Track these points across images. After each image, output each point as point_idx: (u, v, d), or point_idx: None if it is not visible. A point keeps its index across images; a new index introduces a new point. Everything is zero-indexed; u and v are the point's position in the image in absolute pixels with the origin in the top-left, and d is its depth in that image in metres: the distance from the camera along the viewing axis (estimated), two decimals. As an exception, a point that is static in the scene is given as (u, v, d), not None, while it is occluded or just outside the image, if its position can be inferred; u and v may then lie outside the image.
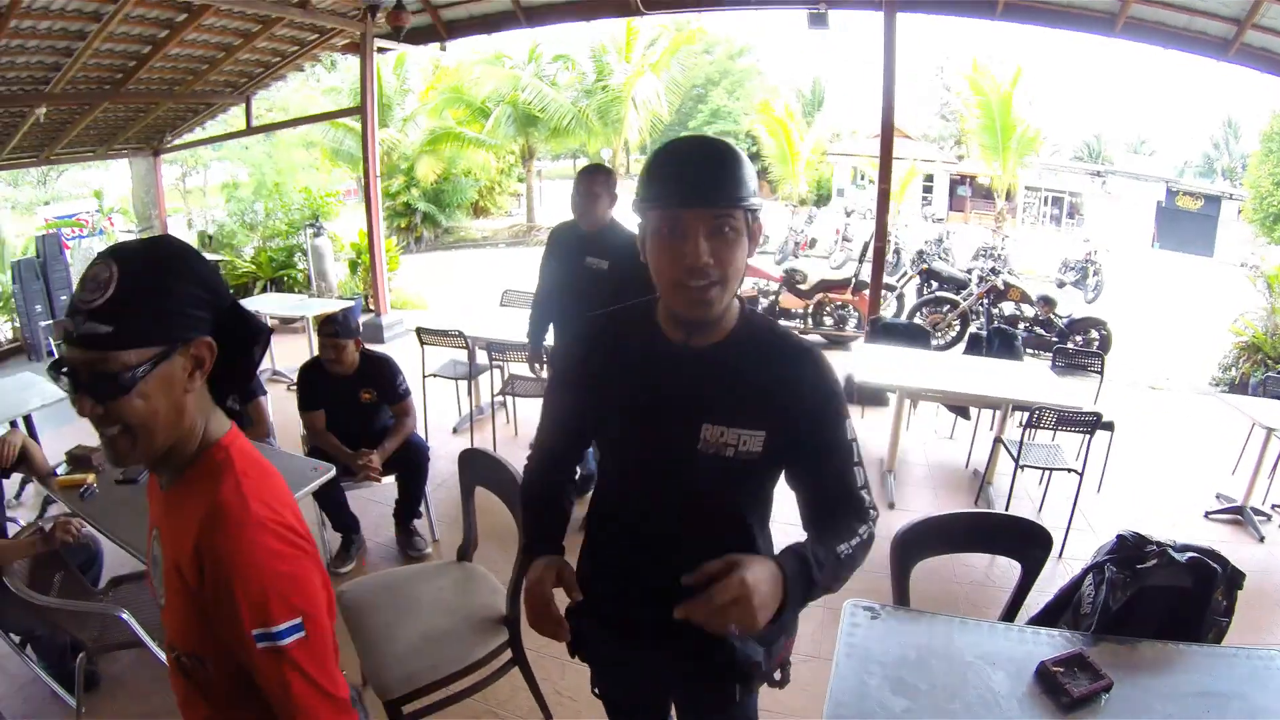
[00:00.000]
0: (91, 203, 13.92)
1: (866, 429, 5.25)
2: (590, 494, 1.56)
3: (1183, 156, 26.87)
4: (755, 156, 24.97)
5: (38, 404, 4.37)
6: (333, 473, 2.99)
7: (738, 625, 1.05)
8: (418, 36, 7.59)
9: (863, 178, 25.98)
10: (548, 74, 18.52)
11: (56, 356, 1.00)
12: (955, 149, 25.09)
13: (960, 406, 4.95)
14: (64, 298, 8.63)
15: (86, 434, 3.67)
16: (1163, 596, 2.00)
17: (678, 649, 1.35)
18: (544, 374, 4.14)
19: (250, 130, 9.40)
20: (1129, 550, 2.06)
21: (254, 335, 1.14)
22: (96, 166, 15.68)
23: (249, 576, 1.02)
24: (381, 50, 7.60)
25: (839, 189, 26.54)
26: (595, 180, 3.49)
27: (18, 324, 8.72)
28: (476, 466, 2.49)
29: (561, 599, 1.34)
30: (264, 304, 7.42)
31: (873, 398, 5.46)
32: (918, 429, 5.32)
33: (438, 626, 2.26)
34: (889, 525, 3.64)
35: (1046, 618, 2.20)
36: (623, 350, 1.38)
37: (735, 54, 29.74)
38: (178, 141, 10.34)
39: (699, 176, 1.17)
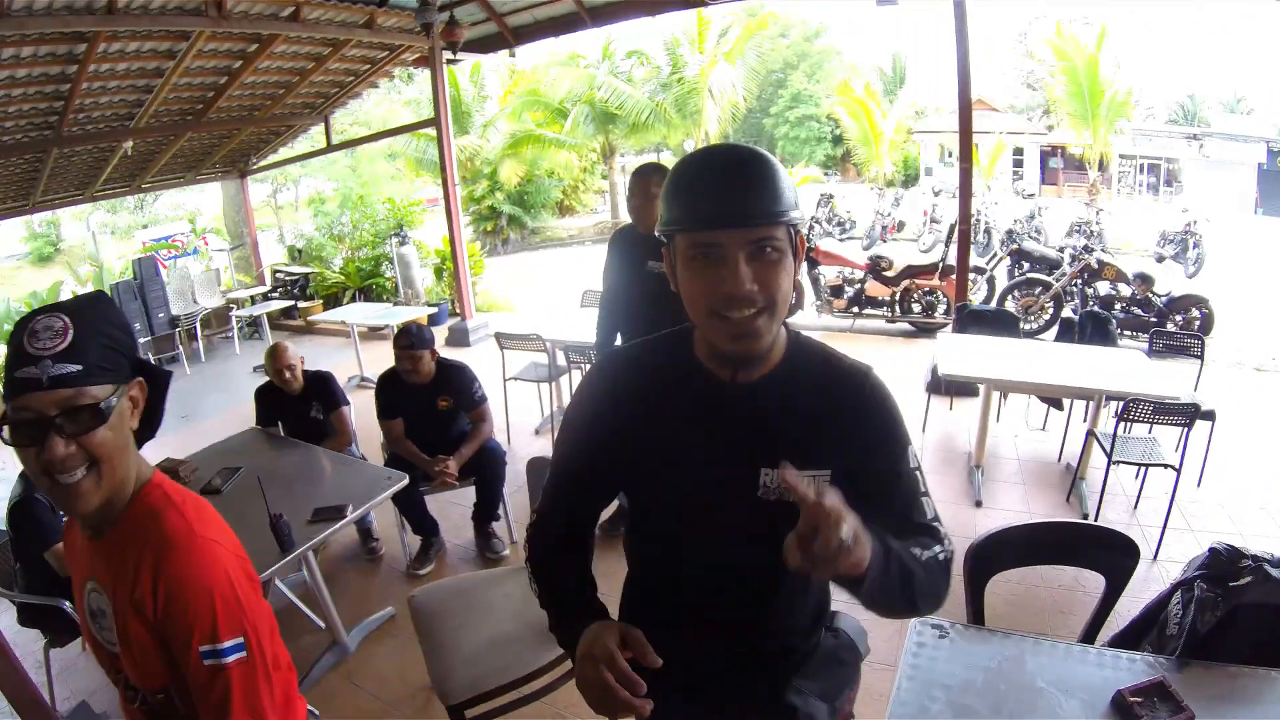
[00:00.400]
0: (185, 225, 14.65)
1: (954, 421, 5.09)
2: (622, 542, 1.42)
3: (1284, 113, 25.09)
4: (838, 139, 24.39)
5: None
6: (405, 481, 3.07)
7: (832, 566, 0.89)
8: (486, 44, 7.68)
9: (950, 155, 25.05)
10: (622, 70, 18.53)
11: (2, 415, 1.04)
12: (1044, 119, 24.02)
13: (1052, 397, 4.73)
14: (161, 315, 9.10)
15: (177, 450, 3.90)
16: (1258, 616, 1.81)
17: (745, 709, 1.28)
18: None
19: (330, 148, 9.67)
20: (1222, 565, 1.87)
21: (163, 379, 1.23)
22: (191, 189, 16.49)
23: (200, 596, 1.10)
24: (451, 62, 7.73)
25: (927, 168, 25.71)
26: (650, 181, 3.28)
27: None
28: (544, 474, 2.50)
29: None
30: (351, 313, 7.63)
31: (961, 388, 5.26)
32: (1008, 420, 5.07)
33: (505, 631, 2.27)
34: (976, 524, 3.56)
35: (1130, 638, 2.03)
36: (658, 389, 1.21)
37: (811, 35, 29.17)
38: (262, 163, 10.74)
39: (732, 191, 1.02)
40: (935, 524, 1.21)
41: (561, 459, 1.33)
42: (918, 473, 1.20)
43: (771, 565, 1.09)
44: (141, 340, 8.63)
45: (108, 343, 1.09)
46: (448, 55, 7.40)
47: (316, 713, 2.77)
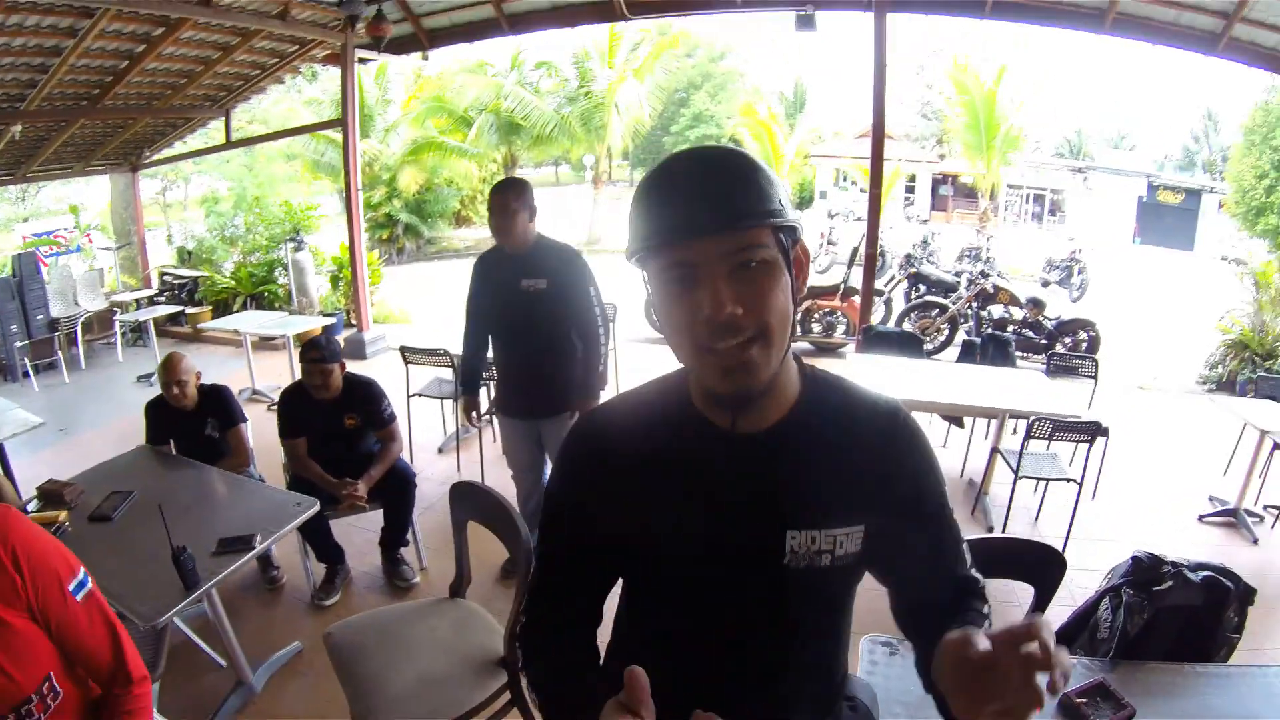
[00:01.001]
0: (68, 219, 13.71)
1: None
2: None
3: (1163, 151, 27.10)
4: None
5: (8, 433, 4.26)
6: (316, 508, 2.90)
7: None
8: (400, 46, 7.51)
9: (845, 179, 26.09)
10: (530, 81, 18.45)
11: None
12: (937, 148, 25.17)
13: (954, 415, 4.91)
14: (40, 317, 8.50)
15: (57, 467, 3.61)
16: (1177, 617, 1.99)
17: None
18: (480, 423, 3.88)
19: (230, 144, 9.30)
20: (1145, 572, 2.03)
21: None
22: (77, 182, 15.47)
23: (47, 544, 1.26)
24: (363, 61, 7.51)
25: (822, 191, 26.62)
26: (508, 195, 3.06)
27: (-6, 344, 8.56)
28: (469, 500, 2.40)
29: None
30: (244, 321, 7.31)
31: None
32: None
33: (434, 669, 2.16)
34: None
35: (1061, 642, 2.15)
36: (653, 447, 1.03)
37: (716, 57, 29.80)
38: (156, 157, 10.30)
39: (701, 195, 0.85)
40: (977, 574, 1.09)
41: (549, 548, 1.13)
42: (953, 514, 1.08)
43: (800, 634, 1.06)
44: (18, 345, 8.03)
45: None
46: (362, 54, 7.18)
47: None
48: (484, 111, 17.66)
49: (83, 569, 1.30)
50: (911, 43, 25.60)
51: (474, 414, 3.61)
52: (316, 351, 3.40)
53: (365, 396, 3.55)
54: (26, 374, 7.89)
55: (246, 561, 2.57)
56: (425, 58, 7.78)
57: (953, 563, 1.07)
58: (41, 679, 1.22)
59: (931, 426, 5.18)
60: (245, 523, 2.75)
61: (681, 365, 1.00)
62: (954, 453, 4.93)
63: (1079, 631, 2.14)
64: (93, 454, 3.72)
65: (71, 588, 1.26)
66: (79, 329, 8.76)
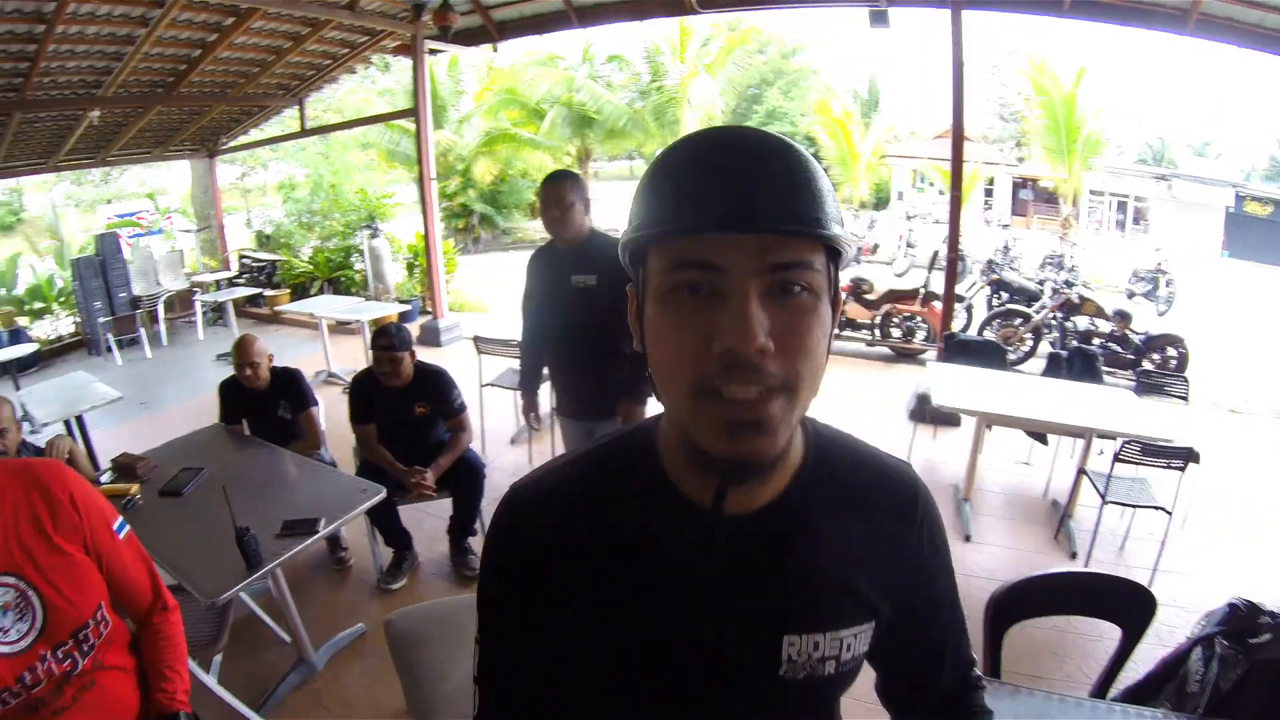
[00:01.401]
0: (147, 202, 14.23)
1: (939, 451, 5.02)
2: None
3: (1249, 160, 25.80)
4: (817, 158, 24.81)
5: (88, 405, 4.39)
6: (382, 495, 2.90)
7: None
8: (469, 38, 7.52)
9: (922, 180, 25.43)
10: (602, 75, 18.44)
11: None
12: (1015, 151, 24.39)
13: (1038, 432, 4.69)
14: (123, 295, 8.81)
15: (134, 440, 3.69)
16: (1275, 673, 1.80)
17: None
18: (538, 425, 3.50)
19: (305, 132, 9.47)
20: (1241, 621, 1.85)
21: None
22: (158, 166, 16.00)
23: (94, 494, 1.40)
24: (433, 52, 7.55)
25: (898, 192, 26.04)
26: (563, 187, 2.91)
27: (79, 319, 8.92)
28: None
29: None
30: (320, 305, 7.44)
31: (944, 418, 5.20)
32: (991, 452, 4.90)
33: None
34: (966, 559, 3.49)
35: (1145, 692, 1.99)
36: (611, 528, 0.78)
37: (789, 53, 29.39)
38: (233, 143, 10.51)
39: (745, 179, 0.62)
40: (971, 653, 0.96)
41: (487, 671, 0.87)
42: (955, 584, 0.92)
43: None
44: (101, 320, 8.32)
45: None
46: (431, 45, 7.22)
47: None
48: (556, 104, 17.61)
49: (120, 516, 1.46)
50: (985, 43, 24.86)
51: (533, 415, 3.41)
52: (386, 339, 3.41)
53: (436, 385, 3.54)
54: (110, 348, 8.17)
55: (309, 545, 2.58)
56: (495, 49, 7.79)
57: (958, 651, 0.93)
58: (95, 607, 1.35)
59: (1013, 441, 4.97)
60: (312, 506, 2.77)
61: (663, 411, 0.74)
62: (1039, 470, 4.71)
63: (1166, 681, 1.98)
64: (171, 429, 3.79)
65: (115, 527, 1.42)
66: (160, 307, 9.05)
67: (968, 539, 3.88)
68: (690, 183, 0.64)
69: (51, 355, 8.59)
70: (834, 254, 0.68)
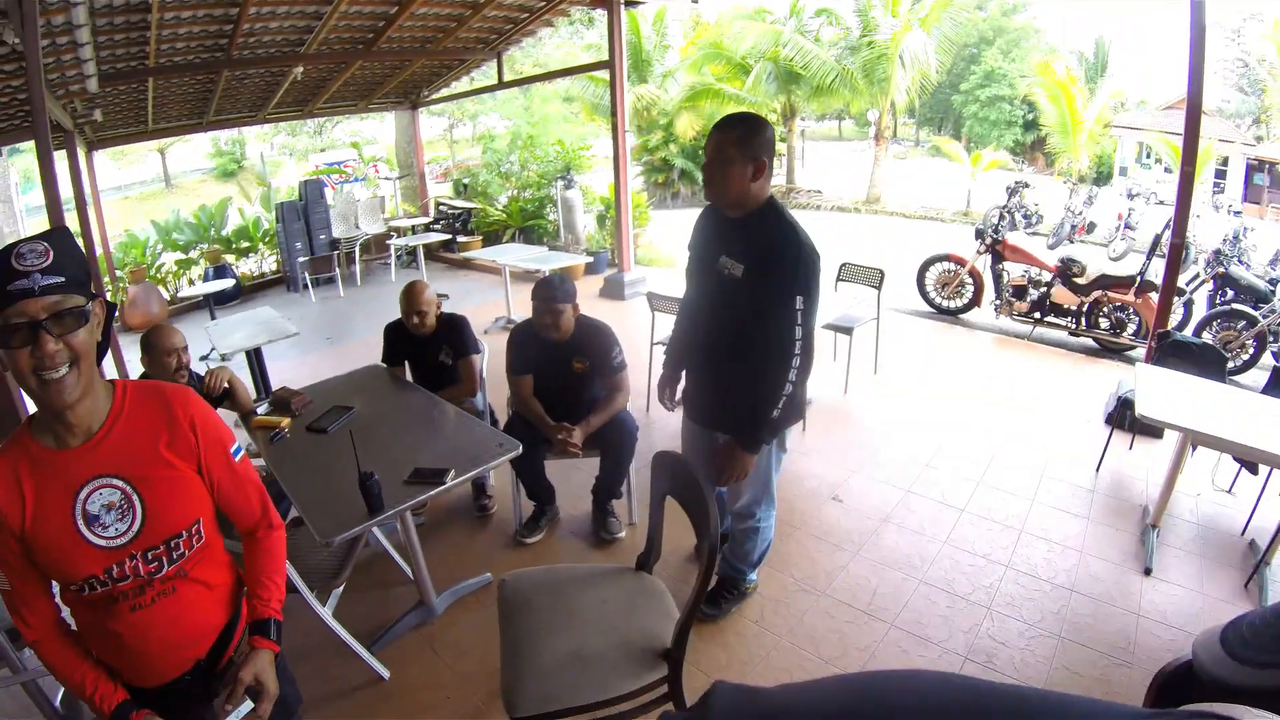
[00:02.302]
0: (353, 152, 15.27)
1: (1133, 464, 4.31)
2: None
3: None
4: (1030, 125, 22.63)
5: (266, 339, 4.69)
6: (517, 451, 2.82)
7: None
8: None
9: (1149, 155, 22.82)
10: (810, 29, 17.77)
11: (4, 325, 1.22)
12: (1253, 128, 21.20)
13: (1249, 459, 3.94)
14: (323, 237, 9.44)
15: (314, 372, 3.87)
16: None
17: None
18: (673, 406, 2.98)
19: (500, 85, 9.65)
20: None
21: (112, 307, 1.45)
22: (370, 118, 17.10)
23: (215, 419, 1.53)
24: (630, 4, 7.43)
25: (1122, 167, 23.51)
26: (726, 137, 2.29)
27: (281, 258, 9.71)
28: (668, 472, 2.18)
29: None
30: (505, 253, 7.56)
31: (1145, 428, 4.50)
32: (1191, 475, 4.17)
33: (592, 645, 2.01)
34: (1142, 595, 3.02)
35: None
36: None
37: (1010, 10, 27.23)
38: (433, 96, 10.86)
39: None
40: None
41: None
42: None
43: None
44: (300, 260, 8.99)
45: (80, 265, 1.33)
46: (627, -4, 7.11)
47: (385, 675, 2.67)
48: (762, 59, 17.13)
49: (237, 441, 1.57)
50: (1226, 4, 21.66)
51: (667, 393, 2.96)
52: (548, 290, 3.29)
53: (597, 342, 3.40)
54: (307, 286, 8.83)
55: (435, 495, 2.57)
56: (695, 1, 7.59)
57: None
58: (193, 520, 1.46)
59: (1219, 466, 4.24)
60: (447, 456, 2.75)
61: None
62: (1240, 503, 3.99)
63: None
64: (352, 364, 3.93)
65: (232, 451, 1.54)
66: (357, 250, 9.67)
67: (1148, 572, 3.33)
68: None
69: (253, 290, 9.37)
70: None
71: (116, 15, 5.18)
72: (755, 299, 2.32)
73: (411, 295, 3.58)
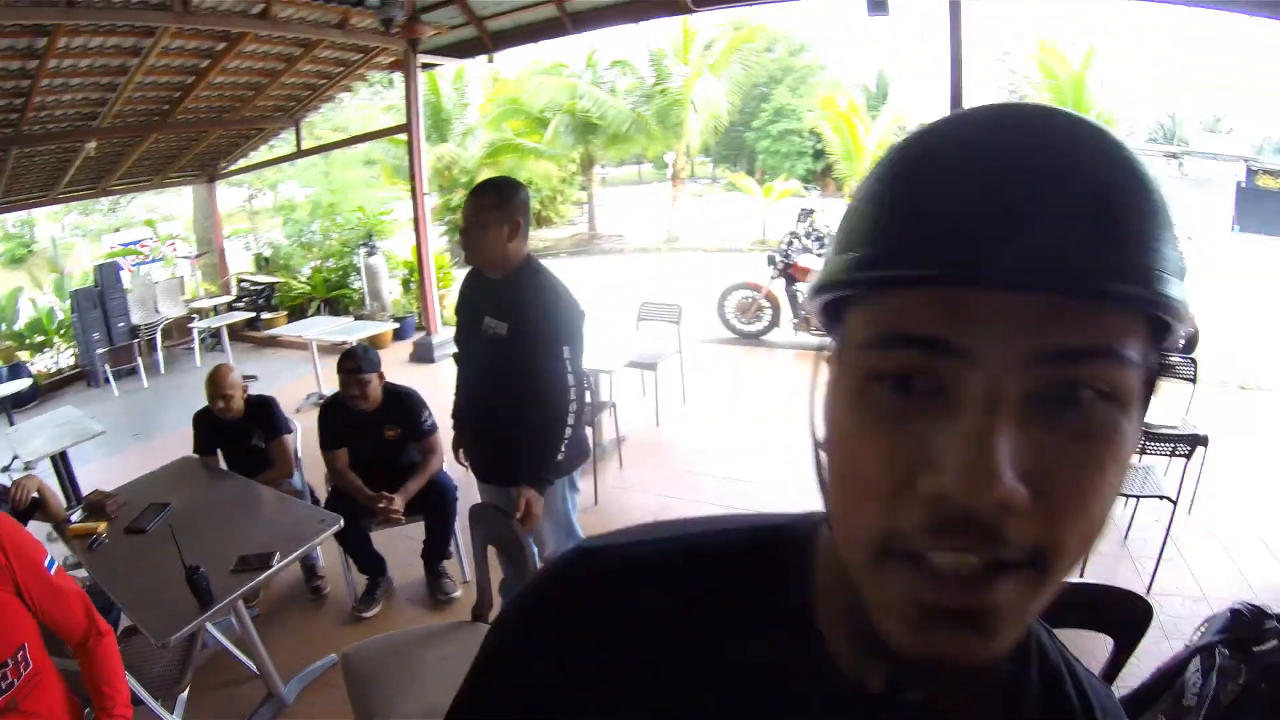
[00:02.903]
0: (147, 230, 14.35)
1: None
2: None
3: (1262, 134, 25.30)
4: (819, 154, 24.35)
5: (70, 441, 4.38)
6: (338, 526, 2.83)
7: None
8: (464, 49, 7.50)
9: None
10: (606, 80, 18.31)
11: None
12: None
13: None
14: (121, 324, 8.83)
15: (124, 472, 3.65)
16: None
17: None
18: (464, 463, 2.94)
19: (300, 153, 9.49)
20: (1245, 628, 1.70)
21: None
22: (167, 192, 16.16)
23: (25, 536, 1.51)
24: (427, 66, 7.51)
25: (907, 185, 25.74)
26: (482, 204, 2.41)
27: (77, 351, 8.96)
28: (483, 522, 2.27)
29: None
30: (311, 328, 7.40)
31: None
32: None
33: (440, 701, 2.03)
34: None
35: (1139, 704, 1.85)
36: (710, 663, 0.50)
37: (797, 50, 29.26)
38: (232, 167, 10.54)
39: (1049, 201, 0.36)
40: None
41: None
42: None
43: None
44: (99, 351, 8.35)
45: None
46: (424, 59, 7.20)
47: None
48: (559, 112, 17.41)
49: (49, 554, 1.56)
50: (995, 27, 24.57)
51: (461, 453, 2.95)
52: (352, 362, 3.33)
53: (405, 407, 3.48)
54: (108, 379, 8.18)
55: (263, 580, 2.52)
56: (490, 60, 7.77)
57: None
58: (16, 647, 1.41)
59: None
60: (270, 539, 2.71)
61: (826, 532, 0.49)
62: None
63: (1160, 693, 1.82)
64: (162, 459, 3.77)
65: (46, 564, 1.52)
66: (159, 335, 9.07)
67: None
68: (939, 193, 0.38)
69: (51, 389, 8.59)
70: (1159, 329, 0.39)
71: None
72: (523, 355, 2.42)
73: (216, 380, 3.50)
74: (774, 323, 7.60)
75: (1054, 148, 0.38)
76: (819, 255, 7.81)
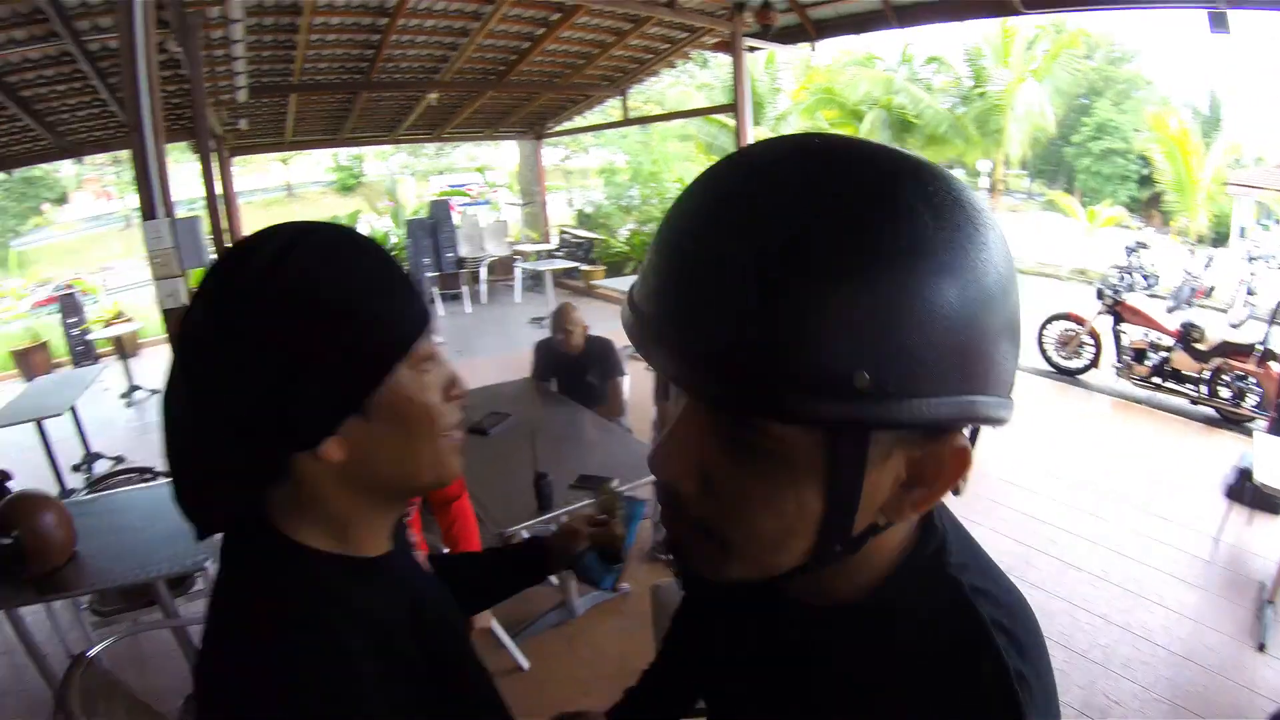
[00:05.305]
0: (477, 176, 15.88)
1: (1251, 539, 4.11)
2: None
3: None
4: (1145, 180, 21.76)
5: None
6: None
7: None
8: (786, 36, 7.54)
9: (1268, 215, 21.61)
10: (922, 77, 17.62)
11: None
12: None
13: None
14: (450, 255, 9.94)
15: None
16: None
17: None
18: None
19: (626, 122, 10.01)
20: None
21: None
22: (488, 143, 17.74)
23: None
24: (752, 49, 7.67)
25: (1240, 228, 22.30)
26: None
27: (410, 273, 10.25)
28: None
29: None
30: (627, 284, 7.85)
31: (1266, 503, 4.34)
32: None
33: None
34: (1255, 672, 2.98)
35: None
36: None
37: (1119, 60, 26.28)
38: (558, 128, 11.31)
39: (688, 293, 0.43)
40: None
41: None
42: None
43: None
44: (429, 275, 9.48)
45: None
46: (750, 42, 7.33)
47: (526, 666, 2.86)
48: (875, 106, 17.02)
49: None
50: None
51: None
52: None
53: None
54: (433, 301, 9.30)
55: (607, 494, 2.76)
56: (813, 48, 7.76)
57: None
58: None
59: None
60: (606, 466, 2.92)
61: None
62: None
63: None
64: (482, 378, 4.16)
65: None
66: (483, 269, 10.12)
67: (1261, 648, 3.26)
68: (650, 251, 0.46)
69: (384, 303, 9.92)
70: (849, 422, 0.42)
71: (266, 34, 5.75)
72: None
73: (562, 315, 3.81)
74: (1094, 362, 6.97)
75: (731, 211, 0.42)
76: (1149, 296, 7.04)
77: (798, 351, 0.39)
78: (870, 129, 16.99)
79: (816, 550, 0.48)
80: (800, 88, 18.81)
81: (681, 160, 16.50)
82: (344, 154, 25.42)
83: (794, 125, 17.53)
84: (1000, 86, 15.89)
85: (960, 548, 0.59)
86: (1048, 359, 7.15)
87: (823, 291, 0.39)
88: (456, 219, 10.94)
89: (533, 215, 12.13)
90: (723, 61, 8.29)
